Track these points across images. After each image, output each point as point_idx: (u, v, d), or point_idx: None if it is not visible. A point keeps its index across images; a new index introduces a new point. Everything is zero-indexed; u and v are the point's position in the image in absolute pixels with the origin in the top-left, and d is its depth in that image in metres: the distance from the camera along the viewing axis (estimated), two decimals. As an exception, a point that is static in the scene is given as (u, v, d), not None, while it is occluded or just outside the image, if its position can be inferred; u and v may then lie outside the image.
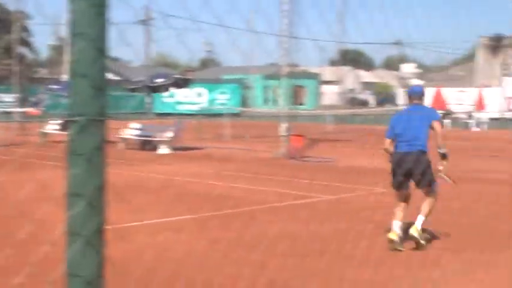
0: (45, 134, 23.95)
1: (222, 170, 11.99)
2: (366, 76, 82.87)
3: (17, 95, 40.16)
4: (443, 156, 8.14)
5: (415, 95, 8.70)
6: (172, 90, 25.25)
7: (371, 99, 75.31)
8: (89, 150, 2.22)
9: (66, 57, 57.62)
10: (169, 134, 21.06)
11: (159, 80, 22.08)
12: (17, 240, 4.51)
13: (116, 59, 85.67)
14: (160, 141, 20.96)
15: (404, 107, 9.25)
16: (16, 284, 2.86)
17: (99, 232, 2.26)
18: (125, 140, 21.99)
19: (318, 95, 65.63)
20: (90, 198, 2.22)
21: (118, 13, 3.71)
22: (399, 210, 7.93)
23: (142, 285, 4.62)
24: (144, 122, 22.46)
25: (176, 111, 45.98)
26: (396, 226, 7.67)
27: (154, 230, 6.73)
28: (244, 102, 51.96)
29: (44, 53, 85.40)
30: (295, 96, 48.46)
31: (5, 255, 4.21)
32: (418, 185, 8.13)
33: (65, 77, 48.19)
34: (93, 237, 2.24)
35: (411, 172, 7.96)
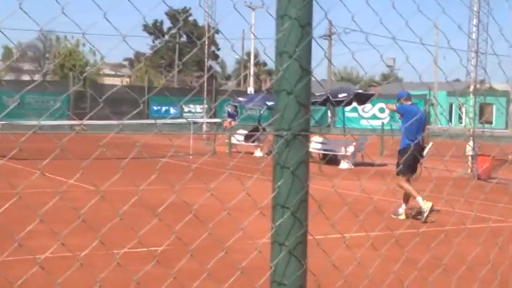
0: (232, 145, 24.99)
1: (400, 189, 11.81)
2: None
3: (205, 106, 42.31)
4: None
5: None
6: (355, 105, 25.25)
7: None
8: (294, 163, 2.31)
9: (252, 71, 59.68)
10: (351, 149, 21.07)
11: (342, 95, 22.19)
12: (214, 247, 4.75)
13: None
14: (342, 155, 21.02)
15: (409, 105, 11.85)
16: (229, 287, 3.02)
17: (302, 243, 2.34)
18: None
19: (507, 113, 62.36)
20: (294, 210, 2.32)
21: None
22: None
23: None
24: (327, 136, 22.64)
25: (358, 126, 45.89)
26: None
27: (335, 244, 6.76)
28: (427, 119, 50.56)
29: (230, 67, 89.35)
30: (482, 114, 46.44)
31: (196, 260, 4.42)
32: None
33: (250, 90, 50.00)
34: (296, 247, 2.33)
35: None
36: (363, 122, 47.77)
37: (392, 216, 11.24)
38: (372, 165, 20.38)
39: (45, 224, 3.00)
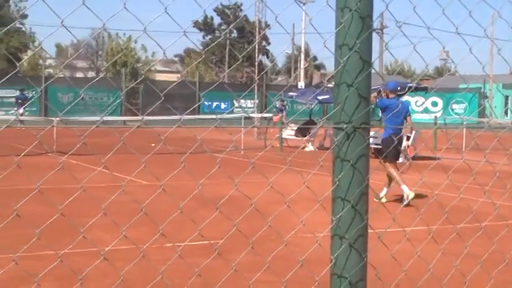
0: (283, 139, 24.93)
1: (459, 182, 11.61)
2: None
3: (256, 101, 42.42)
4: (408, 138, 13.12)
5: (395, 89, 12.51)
6: (407, 98, 24.89)
7: None
8: (354, 156, 2.29)
9: (302, 66, 59.52)
10: (403, 143, 20.78)
11: (395, 89, 21.89)
12: (259, 239, 4.74)
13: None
14: (395, 150, 20.72)
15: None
16: (288, 279, 3.02)
17: (363, 236, 2.33)
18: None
19: None
20: (354, 203, 2.30)
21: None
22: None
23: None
24: (378, 129, 22.40)
25: (411, 120, 45.36)
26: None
27: (395, 237, 6.68)
28: (481, 112, 49.59)
29: (280, 62, 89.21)
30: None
31: (253, 253, 4.43)
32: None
33: (301, 84, 49.86)
34: (357, 240, 2.31)
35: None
36: (415, 116, 47.14)
37: (375, 199, 11.21)
38: (426, 159, 20.05)
39: (106, 216, 3.05)
